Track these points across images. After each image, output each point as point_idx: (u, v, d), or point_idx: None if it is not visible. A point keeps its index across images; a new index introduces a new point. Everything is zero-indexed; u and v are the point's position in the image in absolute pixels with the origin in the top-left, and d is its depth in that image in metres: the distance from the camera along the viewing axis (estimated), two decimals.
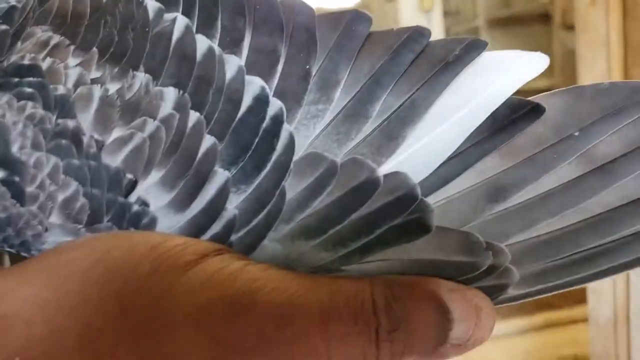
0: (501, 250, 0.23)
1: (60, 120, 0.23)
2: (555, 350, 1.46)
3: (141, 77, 0.23)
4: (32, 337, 0.18)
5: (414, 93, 0.24)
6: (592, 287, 0.99)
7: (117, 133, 0.23)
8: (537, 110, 0.24)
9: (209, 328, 0.18)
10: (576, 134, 0.24)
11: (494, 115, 0.24)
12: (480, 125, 0.24)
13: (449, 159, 0.23)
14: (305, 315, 0.19)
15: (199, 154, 0.23)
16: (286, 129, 0.23)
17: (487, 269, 0.22)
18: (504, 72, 0.24)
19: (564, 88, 0.24)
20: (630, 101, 0.24)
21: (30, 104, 0.23)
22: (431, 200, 0.23)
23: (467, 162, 0.23)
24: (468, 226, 0.23)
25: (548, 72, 0.26)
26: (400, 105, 0.23)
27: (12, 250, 0.23)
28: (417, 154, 0.23)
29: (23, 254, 0.23)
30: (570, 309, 1.45)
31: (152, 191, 0.23)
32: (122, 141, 0.23)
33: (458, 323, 0.20)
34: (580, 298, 1.25)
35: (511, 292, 0.23)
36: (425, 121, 0.23)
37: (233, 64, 0.23)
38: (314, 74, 0.24)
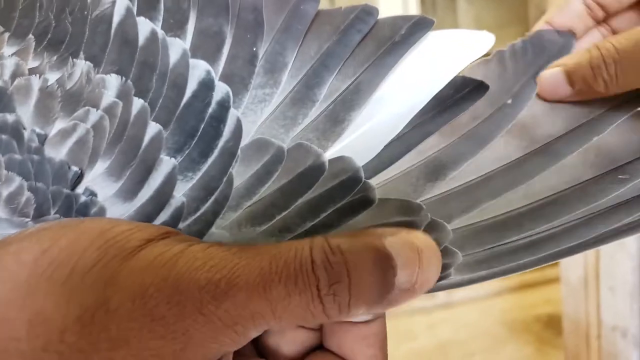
0: (443, 226, 0.23)
1: None
2: (531, 310, 1.50)
3: (82, 65, 0.22)
4: None
5: (359, 76, 0.23)
6: None
7: (59, 125, 0.22)
8: (480, 88, 0.24)
9: (153, 309, 0.18)
10: (509, 102, 0.24)
11: (437, 97, 0.24)
12: (426, 107, 0.24)
13: (392, 141, 0.23)
14: (246, 285, 0.19)
15: (144, 142, 0.22)
16: (233, 114, 0.23)
17: None
18: (449, 52, 0.24)
19: (486, 56, 0.25)
20: (545, 57, 0.25)
21: None
22: (374, 181, 0.23)
23: (409, 144, 0.24)
24: None
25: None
26: (346, 89, 0.23)
27: None
28: (362, 138, 0.23)
29: None
30: (544, 269, 1.48)
31: (99, 181, 0.22)
32: (65, 133, 0.22)
33: (401, 269, 0.20)
34: None
35: (455, 277, 0.23)
36: (369, 104, 0.23)
37: (177, 47, 0.23)
38: (260, 56, 0.23)
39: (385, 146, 0.23)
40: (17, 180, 0.22)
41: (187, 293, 0.18)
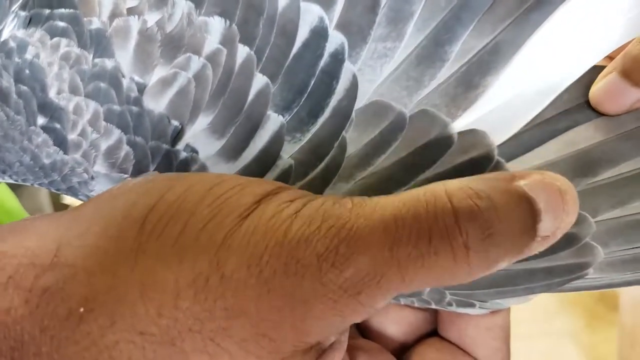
0: (584, 218, 0.20)
1: (97, 60, 0.21)
2: None
3: (182, 5, 0.20)
4: (95, 287, 0.17)
5: (498, 34, 0.20)
6: None
7: (159, 73, 0.21)
8: None
9: (269, 279, 0.17)
10: None
11: (585, 82, 0.21)
12: (573, 92, 0.21)
13: (533, 124, 0.21)
14: (368, 247, 0.16)
15: (250, 96, 0.20)
16: (348, 69, 0.20)
17: (568, 238, 0.19)
18: (613, 14, 0.21)
19: None
20: None
21: (64, 41, 0.21)
22: (510, 166, 0.21)
23: (553, 130, 0.21)
24: None
25: None
26: (482, 49, 0.20)
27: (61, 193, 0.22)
28: (498, 111, 0.20)
29: (71, 197, 0.22)
30: None
31: (200, 138, 0.21)
32: (165, 83, 0.21)
33: (545, 213, 0.17)
34: None
35: (593, 276, 0.20)
36: (509, 70, 0.20)
37: None
38: (383, 3, 0.20)
39: (524, 128, 0.21)
40: (117, 133, 0.21)
41: (305, 262, 0.17)
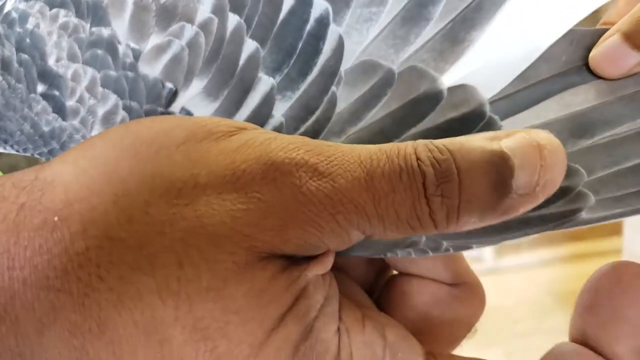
0: (576, 171, 0.21)
1: (94, 29, 0.22)
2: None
3: None
4: (70, 198, 0.17)
5: None
6: (629, 220, 0.97)
7: (154, 40, 0.21)
8: None
9: (246, 185, 0.17)
10: None
11: (584, 44, 0.21)
12: (572, 55, 0.21)
13: (529, 84, 0.21)
14: (346, 173, 0.17)
15: (241, 61, 0.21)
16: (334, 30, 0.21)
17: (561, 191, 0.20)
18: None
19: None
20: None
21: (62, 11, 0.22)
22: (506, 124, 0.21)
23: (549, 90, 0.21)
24: None
25: None
26: (466, 7, 0.21)
27: None
28: (486, 65, 0.21)
29: None
30: (600, 241, 1.44)
31: (196, 101, 0.22)
32: (160, 49, 0.21)
33: (520, 169, 0.18)
34: (613, 231, 1.23)
35: (585, 216, 0.21)
36: (494, 25, 0.21)
37: None
38: None
39: (520, 87, 0.21)
40: (113, 98, 0.21)
41: (284, 169, 0.17)
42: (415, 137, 0.20)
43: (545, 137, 0.18)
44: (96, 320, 0.16)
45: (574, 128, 0.21)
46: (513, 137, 0.18)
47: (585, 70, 0.21)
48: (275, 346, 0.17)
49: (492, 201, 0.18)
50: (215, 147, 0.18)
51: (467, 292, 0.23)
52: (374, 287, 0.24)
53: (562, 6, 0.21)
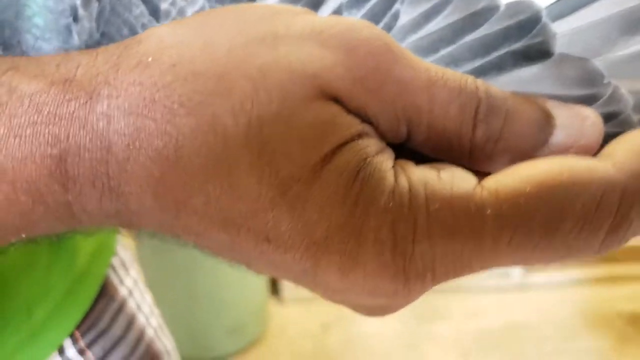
0: (620, 97, 0.21)
1: None
2: (613, 305, 1.44)
3: None
4: (163, 46, 0.19)
5: None
6: None
7: None
8: None
9: (327, 41, 0.19)
10: None
11: None
12: None
13: None
14: (409, 71, 0.19)
15: None
16: None
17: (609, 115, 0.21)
18: None
19: None
20: None
21: None
22: (557, 27, 0.21)
23: None
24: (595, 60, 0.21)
25: None
26: None
27: None
28: None
29: None
30: (635, 264, 1.42)
31: None
32: None
33: (561, 128, 0.20)
34: None
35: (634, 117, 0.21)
36: None
37: None
38: None
39: None
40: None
41: (365, 40, 0.19)
42: (473, 42, 0.22)
43: (593, 114, 0.20)
44: (174, 145, 0.18)
45: (625, 23, 0.21)
46: (564, 106, 0.20)
47: None
48: (335, 170, 0.18)
49: (529, 147, 0.20)
50: (297, 18, 0.20)
51: None
52: None
53: None
